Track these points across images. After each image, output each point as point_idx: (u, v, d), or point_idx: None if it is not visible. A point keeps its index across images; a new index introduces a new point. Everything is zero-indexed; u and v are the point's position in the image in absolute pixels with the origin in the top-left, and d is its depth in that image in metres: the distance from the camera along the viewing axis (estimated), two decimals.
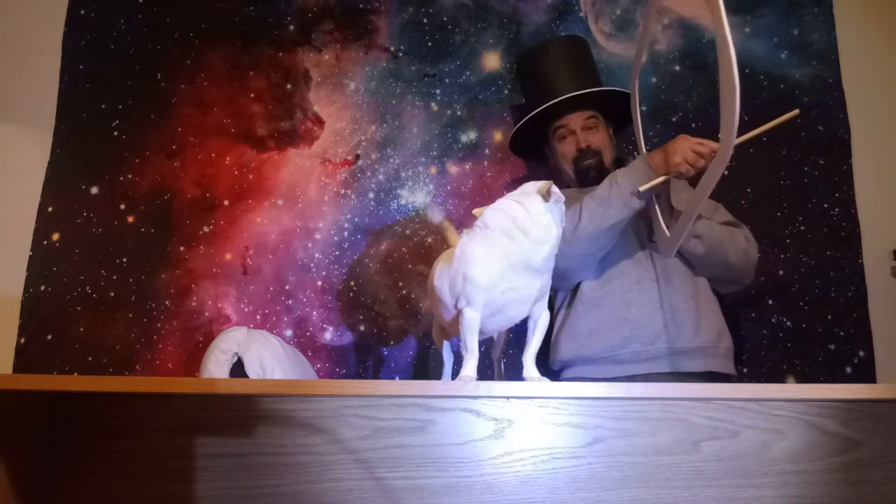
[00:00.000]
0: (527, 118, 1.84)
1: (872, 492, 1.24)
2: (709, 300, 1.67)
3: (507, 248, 1.09)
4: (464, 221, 2.12)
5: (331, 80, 2.23)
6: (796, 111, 1.47)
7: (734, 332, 1.98)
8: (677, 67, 2.22)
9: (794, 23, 2.24)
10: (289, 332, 2.05)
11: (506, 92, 2.21)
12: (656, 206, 1.57)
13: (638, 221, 1.70)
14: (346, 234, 2.12)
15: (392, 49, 2.25)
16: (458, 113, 2.20)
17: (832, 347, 2.03)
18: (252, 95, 2.22)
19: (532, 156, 2.05)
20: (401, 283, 2.09)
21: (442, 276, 1.18)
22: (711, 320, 1.64)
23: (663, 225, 1.52)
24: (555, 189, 1.11)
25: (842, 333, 2.03)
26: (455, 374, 1.18)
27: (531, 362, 1.15)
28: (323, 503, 1.20)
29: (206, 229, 2.12)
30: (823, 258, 2.08)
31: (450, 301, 1.15)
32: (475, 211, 1.18)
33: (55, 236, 2.11)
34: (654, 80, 2.20)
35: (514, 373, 1.23)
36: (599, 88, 1.81)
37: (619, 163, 1.87)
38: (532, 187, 1.14)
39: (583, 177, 1.80)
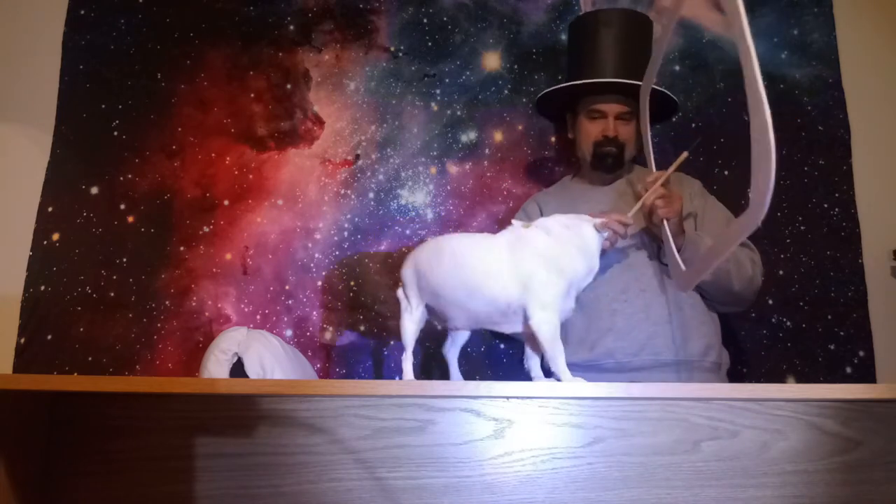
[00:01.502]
0: (565, 85, 1.77)
1: (872, 492, 1.24)
2: (700, 312, 1.64)
3: (575, 266, 1.15)
4: (464, 221, 2.12)
5: (331, 80, 2.23)
6: (685, 154, 1.51)
7: (734, 332, 1.99)
8: (677, 67, 2.22)
9: (794, 23, 2.24)
10: (289, 332, 2.05)
11: (506, 92, 2.21)
12: (667, 231, 1.51)
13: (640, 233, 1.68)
14: (346, 234, 2.12)
15: (392, 49, 2.25)
16: (458, 113, 2.20)
17: (832, 347, 2.03)
18: (252, 95, 2.22)
19: (553, 117, 2.01)
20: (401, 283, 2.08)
21: (504, 275, 1.14)
22: (701, 333, 1.61)
23: (678, 258, 1.46)
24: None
25: (842, 333, 2.03)
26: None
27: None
28: (323, 503, 1.20)
29: (206, 229, 2.12)
30: (823, 258, 2.08)
31: (514, 301, 1.13)
32: (522, 225, 1.20)
33: (55, 236, 2.11)
34: (654, 79, 2.19)
35: (514, 373, 1.23)
36: (645, 84, 1.67)
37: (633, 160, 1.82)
38: (588, 218, 1.23)
39: (599, 161, 1.75)
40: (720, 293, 1.62)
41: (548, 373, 1.24)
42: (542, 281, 1.11)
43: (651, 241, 1.66)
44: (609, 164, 1.74)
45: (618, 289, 1.60)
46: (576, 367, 1.59)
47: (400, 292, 1.25)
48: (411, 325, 1.21)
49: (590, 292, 1.57)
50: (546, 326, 1.10)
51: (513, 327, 1.18)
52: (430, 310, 1.22)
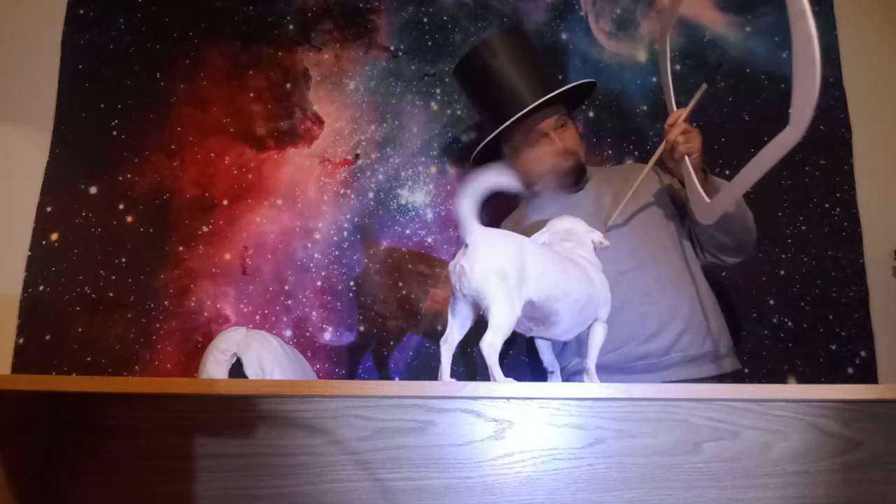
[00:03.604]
0: (498, 130, 1.72)
1: (873, 492, 1.24)
2: (713, 302, 1.67)
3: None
4: None
5: (330, 80, 2.23)
6: (704, 86, 1.57)
7: (734, 333, 1.99)
8: (678, 67, 2.21)
9: None
10: (288, 333, 2.04)
11: None
12: (689, 166, 1.53)
13: (647, 221, 1.68)
14: (345, 234, 2.12)
15: (392, 48, 2.25)
16: (458, 113, 2.20)
17: (833, 348, 2.02)
18: (251, 95, 2.22)
19: (489, 161, 1.88)
20: (401, 283, 2.08)
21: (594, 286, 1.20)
22: (718, 324, 1.64)
23: (700, 190, 1.48)
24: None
25: (843, 334, 2.03)
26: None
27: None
28: (322, 503, 1.20)
29: (205, 229, 2.12)
30: (825, 258, 2.08)
31: (588, 315, 1.18)
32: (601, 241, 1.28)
33: (54, 236, 2.10)
34: (654, 79, 2.19)
35: (515, 373, 1.22)
36: (570, 85, 1.72)
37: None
38: (587, 235, 1.28)
39: (563, 180, 1.73)
40: (740, 229, 1.63)
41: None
42: (607, 296, 1.21)
43: (655, 237, 1.66)
44: (573, 179, 1.73)
45: (642, 292, 1.59)
46: (606, 369, 1.57)
47: (494, 279, 1.03)
48: (514, 317, 1.03)
49: (615, 299, 1.55)
50: (604, 334, 1.21)
51: (570, 335, 1.22)
52: (528, 310, 1.10)
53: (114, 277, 2.07)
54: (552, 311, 1.10)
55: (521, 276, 1.04)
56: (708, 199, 1.45)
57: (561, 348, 1.66)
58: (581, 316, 1.16)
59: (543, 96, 1.67)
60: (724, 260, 1.71)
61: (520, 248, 1.07)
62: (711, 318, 1.63)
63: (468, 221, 1.03)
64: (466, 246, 1.04)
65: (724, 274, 2.02)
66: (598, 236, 1.28)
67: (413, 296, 2.07)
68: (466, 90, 1.88)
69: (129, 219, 2.12)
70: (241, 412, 1.22)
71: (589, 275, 1.18)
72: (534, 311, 1.09)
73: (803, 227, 2.10)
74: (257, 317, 2.06)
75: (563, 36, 2.23)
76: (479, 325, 1.05)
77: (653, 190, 1.74)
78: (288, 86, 2.22)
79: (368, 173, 2.16)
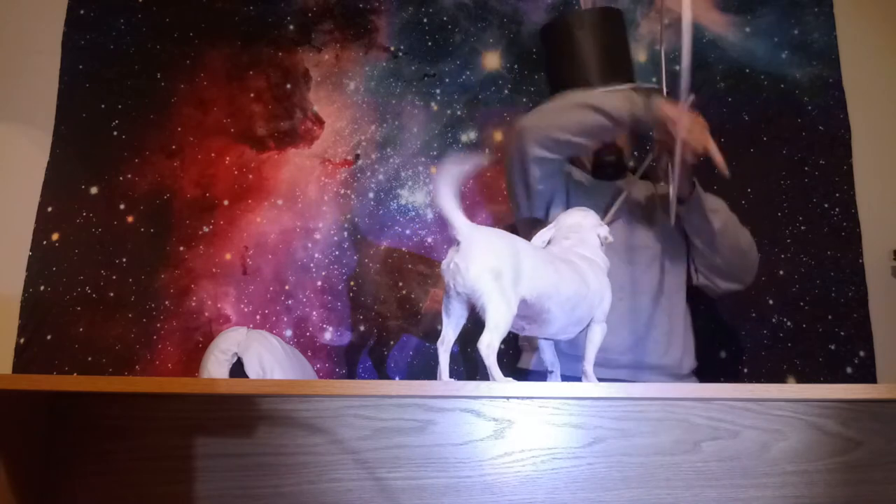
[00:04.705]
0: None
1: (873, 492, 1.24)
2: (681, 319, 1.64)
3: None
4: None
5: (331, 80, 2.23)
6: (692, 97, 1.54)
7: (734, 332, 1.99)
8: (677, 67, 2.21)
9: (795, 22, 2.24)
10: (289, 332, 2.05)
11: (506, 92, 2.21)
12: (678, 150, 1.51)
13: (638, 227, 1.68)
14: (345, 234, 2.12)
15: (392, 49, 2.25)
16: (458, 113, 2.20)
17: (832, 347, 2.03)
18: (252, 95, 2.22)
19: None
20: (401, 283, 2.09)
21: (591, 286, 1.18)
22: (682, 341, 1.62)
23: (673, 182, 1.49)
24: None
25: (842, 333, 2.03)
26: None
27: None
28: (322, 503, 1.20)
29: (205, 229, 2.12)
30: (824, 258, 2.08)
31: (582, 315, 1.17)
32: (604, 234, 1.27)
33: (55, 236, 2.11)
34: (653, 79, 2.19)
35: (514, 372, 1.23)
36: (634, 85, 1.69)
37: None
38: (592, 230, 1.25)
39: (600, 171, 1.73)
40: (731, 249, 1.59)
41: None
42: (604, 296, 1.19)
43: (642, 243, 1.66)
44: (611, 172, 1.73)
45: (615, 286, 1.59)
46: (564, 356, 1.58)
47: (488, 278, 1.03)
48: (510, 315, 1.03)
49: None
50: (602, 336, 1.20)
51: (567, 335, 1.21)
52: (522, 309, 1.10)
53: (114, 277, 2.08)
54: (544, 309, 1.10)
55: (516, 275, 1.04)
56: (674, 195, 1.47)
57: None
58: (574, 315, 1.15)
59: (610, 81, 1.63)
60: (717, 284, 1.66)
61: (513, 246, 1.07)
62: (678, 335, 1.61)
63: (453, 215, 1.03)
64: (458, 243, 1.04)
65: None
66: (604, 231, 1.27)
67: (413, 296, 2.08)
68: (546, 49, 1.84)
69: (130, 219, 2.13)
70: (242, 412, 1.22)
71: (583, 274, 1.17)
72: (526, 310, 1.09)
73: (802, 228, 2.10)
74: (258, 316, 2.07)
75: None
76: (481, 324, 1.05)
77: (648, 200, 1.72)
78: (288, 86, 2.23)
79: (368, 173, 2.16)
